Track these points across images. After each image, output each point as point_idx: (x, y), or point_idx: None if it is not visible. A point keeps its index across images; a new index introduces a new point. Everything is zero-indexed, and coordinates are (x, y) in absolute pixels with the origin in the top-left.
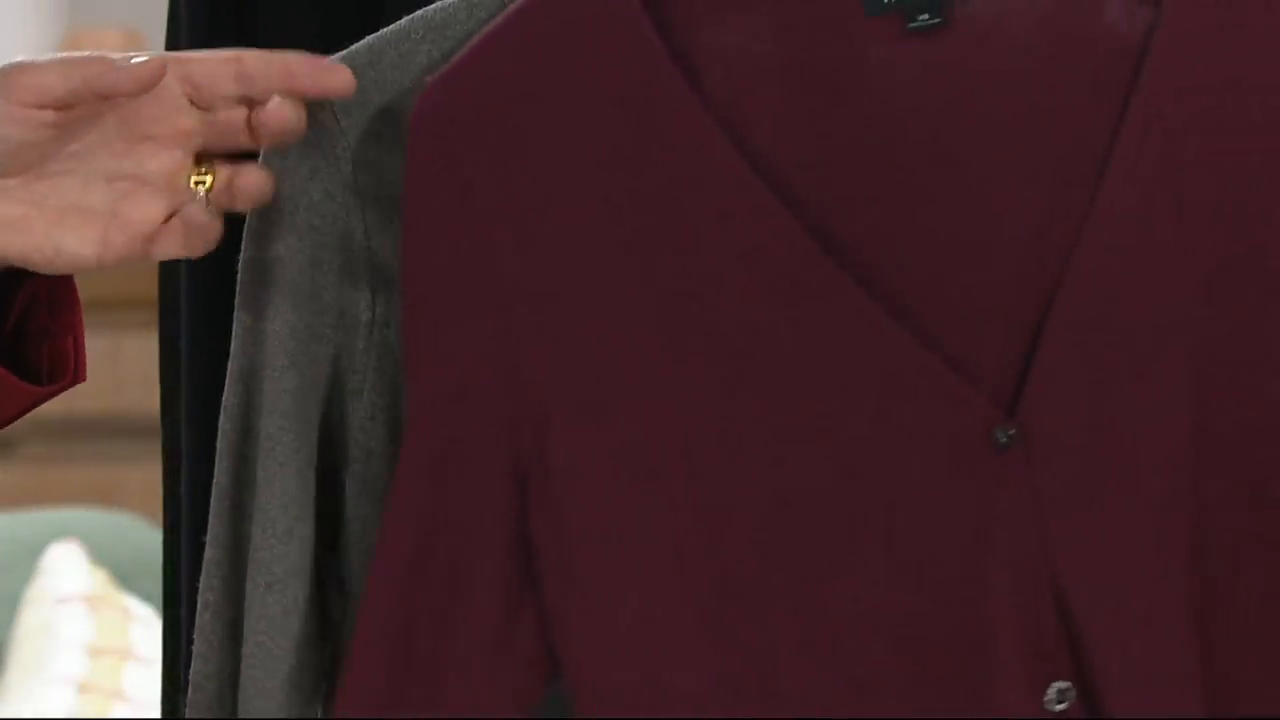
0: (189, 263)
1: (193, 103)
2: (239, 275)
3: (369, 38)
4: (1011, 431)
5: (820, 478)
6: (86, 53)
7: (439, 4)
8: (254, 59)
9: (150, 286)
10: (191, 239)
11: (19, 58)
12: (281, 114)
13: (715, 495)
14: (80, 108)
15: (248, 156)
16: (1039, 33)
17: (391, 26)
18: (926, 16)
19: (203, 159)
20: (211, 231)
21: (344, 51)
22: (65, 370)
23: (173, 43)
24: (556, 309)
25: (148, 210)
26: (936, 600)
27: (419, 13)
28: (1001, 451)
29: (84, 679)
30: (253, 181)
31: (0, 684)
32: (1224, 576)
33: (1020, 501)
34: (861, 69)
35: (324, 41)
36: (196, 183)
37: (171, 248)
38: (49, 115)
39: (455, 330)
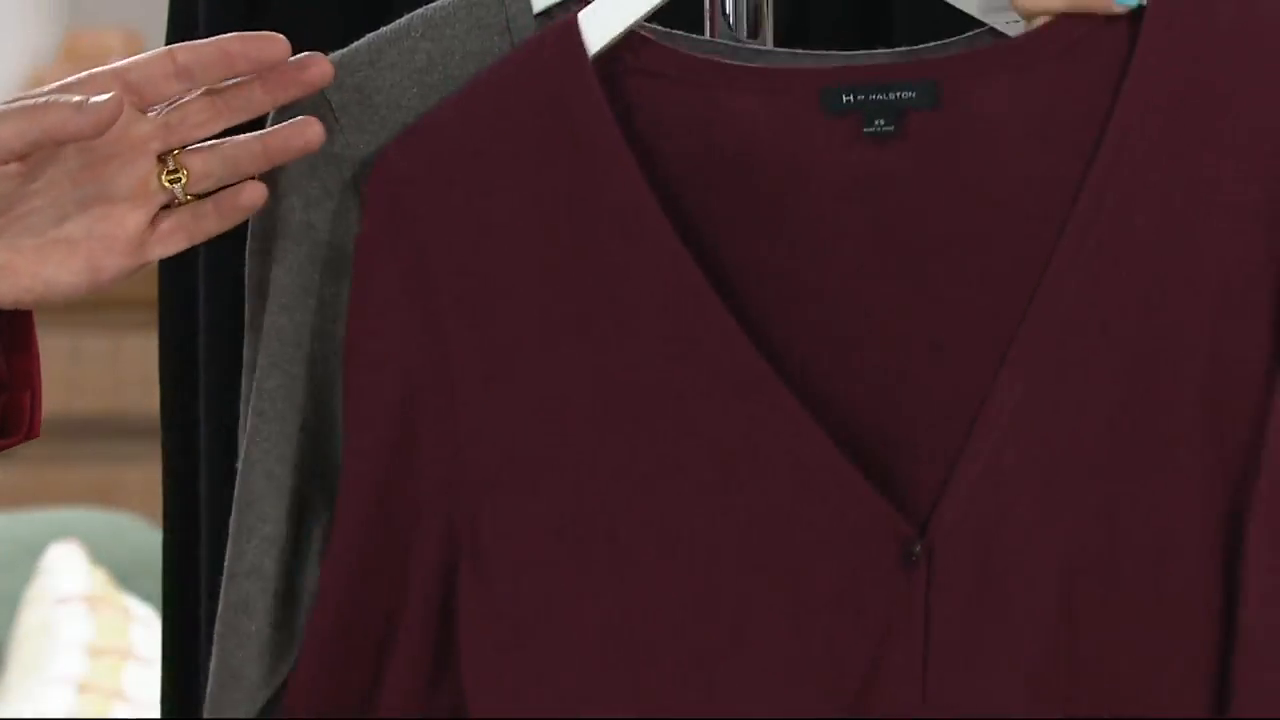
0: (201, 262)
1: (140, 109)
2: (245, 271)
3: (369, 36)
4: (918, 550)
5: (737, 572)
6: (40, 94)
7: (439, 2)
8: (184, 51)
9: (150, 287)
10: (190, 230)
11: (20, 59)
12: (241, 197)
13: (635, 579)
14: (41, 152)
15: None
16: (991, 149)
17: (392, 25)
18: (882, 123)
19: (167, 156)
20: (206, 217)
21: (344, 49)
22: (18, 425)
23: (174, 42)
24: (494, 381)
25: (127, 224)
26: (822, 696)
27: (419, 11)
28: (908, 569)
29: (84, 679)
30: (248, 196)
31: (0, 684)
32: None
33: (914, 617)
34: (814, 169)
35: (336, 39)
36: (170, 183)
37: (170, 246)
38: (11, 168)
39: (395, 386)
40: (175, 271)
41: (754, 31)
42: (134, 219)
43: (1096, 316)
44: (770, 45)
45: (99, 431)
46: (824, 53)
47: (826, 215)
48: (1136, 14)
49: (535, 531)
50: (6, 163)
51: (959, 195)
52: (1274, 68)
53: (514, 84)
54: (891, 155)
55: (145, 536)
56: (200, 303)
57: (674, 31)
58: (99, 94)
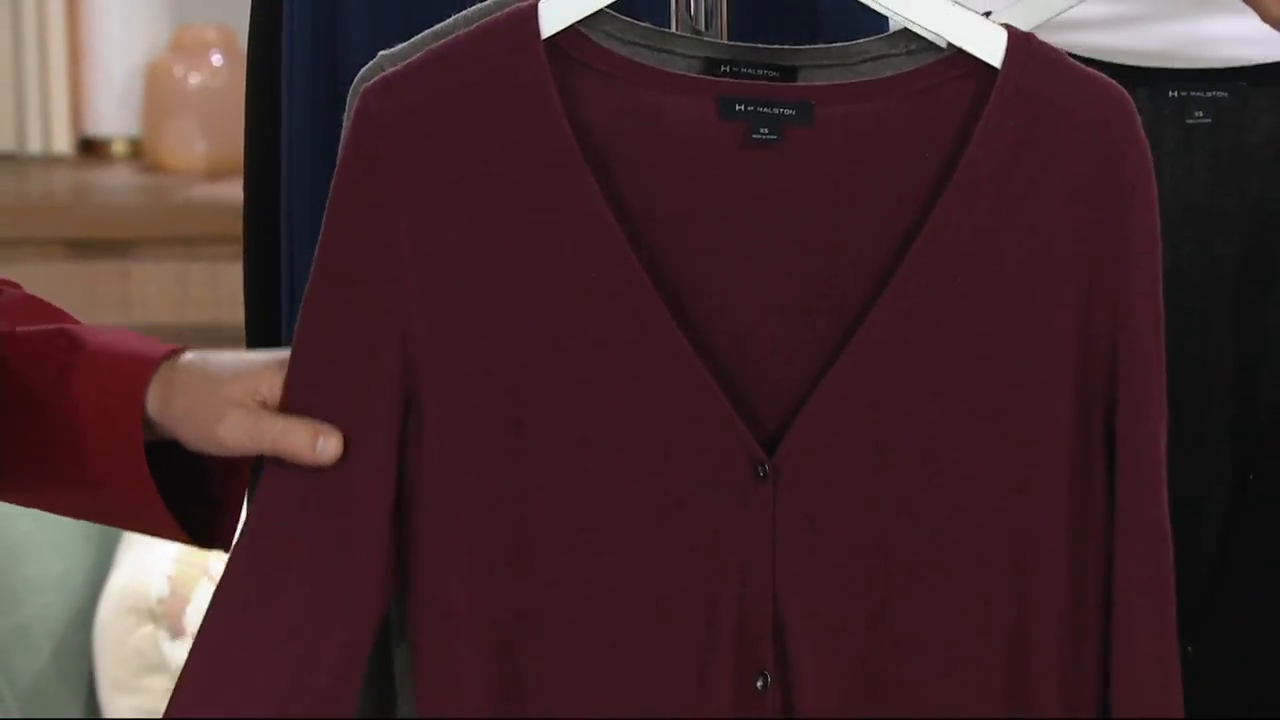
0: (283, 209)
1: None
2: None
3: (420, 35)
4: (767, 467)
5: (616, 469)
6: (295, 425)
7: (480, 5)
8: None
9: (239, 227)
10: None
11: (138, 51)
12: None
13: (533, 464)
14: None
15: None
16: (851, 161)
17: (440, 25)
18: (766, 131)
19: None
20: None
21: (397, 47)
22: (225, 539)
23: (255, 40)
24: (436, 291)
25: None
26: (682, 589)
27: (462, 13)
28: (760, 483)
29: (179, 553)
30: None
31: (119, 547)
32: (907, 620)
33: (763, 524)
34: (709, 159)
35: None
36: None
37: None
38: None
39: (360, 277)
40: (257, 220)
41: (709, 22)
42: None
43: (938, 300)
44: (724, 36)
45: (203, 339)
46: (737, 44)
47: (717, 196)
48: (990, 72)
49: (458, 413)
50: (228, 453)
51: (823, 193)
52: (1091, 134)
53: (477, 52)
54: (771, 157)
55: None
56: (281, 243)
57: (617, 16)
58: (323, 434)
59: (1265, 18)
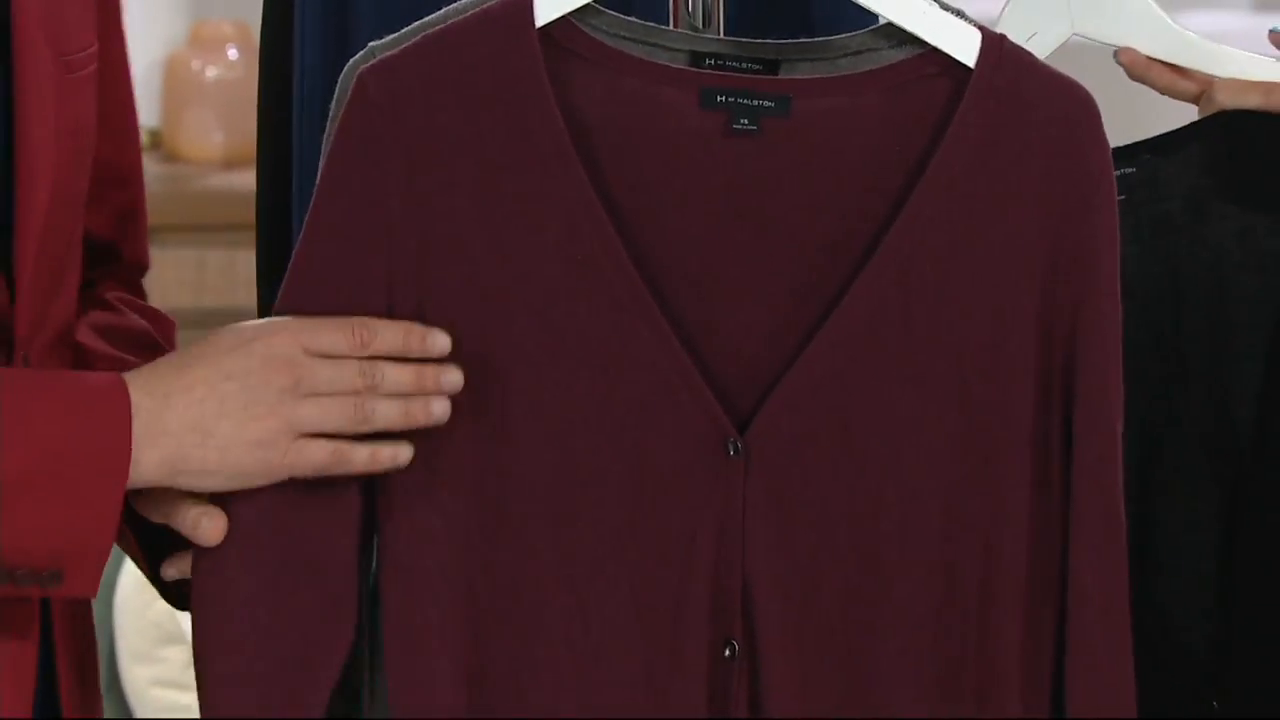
0: (294, 202)
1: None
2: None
3: (409, 27)
4: (739, 445)
5: (596, 441)
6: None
7: None
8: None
9: (251, 216)
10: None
11: (157, 45)
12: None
13: (514, 434)
14: None
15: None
16: (825, 152)
17: (429, 18)
18: (746, 122)
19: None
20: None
21: (388, 38)
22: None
23: (267, 35)
24: (424, 266)
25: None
26: (656, 561)
27: (454, 4)
28: (731, 460)
29: None
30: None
31: None
32: (872, 594)
33: (734, 500)
34: (691, 147)
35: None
36: None
37: None
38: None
39: (349, 247)
40: (270, 208)
41: (707, 20)
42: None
43: (908, 288)
44: (720, 33)
45: (219, 321)
46: (722, 39)
47: (699, 184)
48: (963, 71)
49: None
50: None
51: (801, 183)
52: (1058, 132)
53: (472, 37)
54: (750, 146)
55: None
56: (293, 230)
57: (607, 11)
58: (398, 449)
59: (1169, 92)
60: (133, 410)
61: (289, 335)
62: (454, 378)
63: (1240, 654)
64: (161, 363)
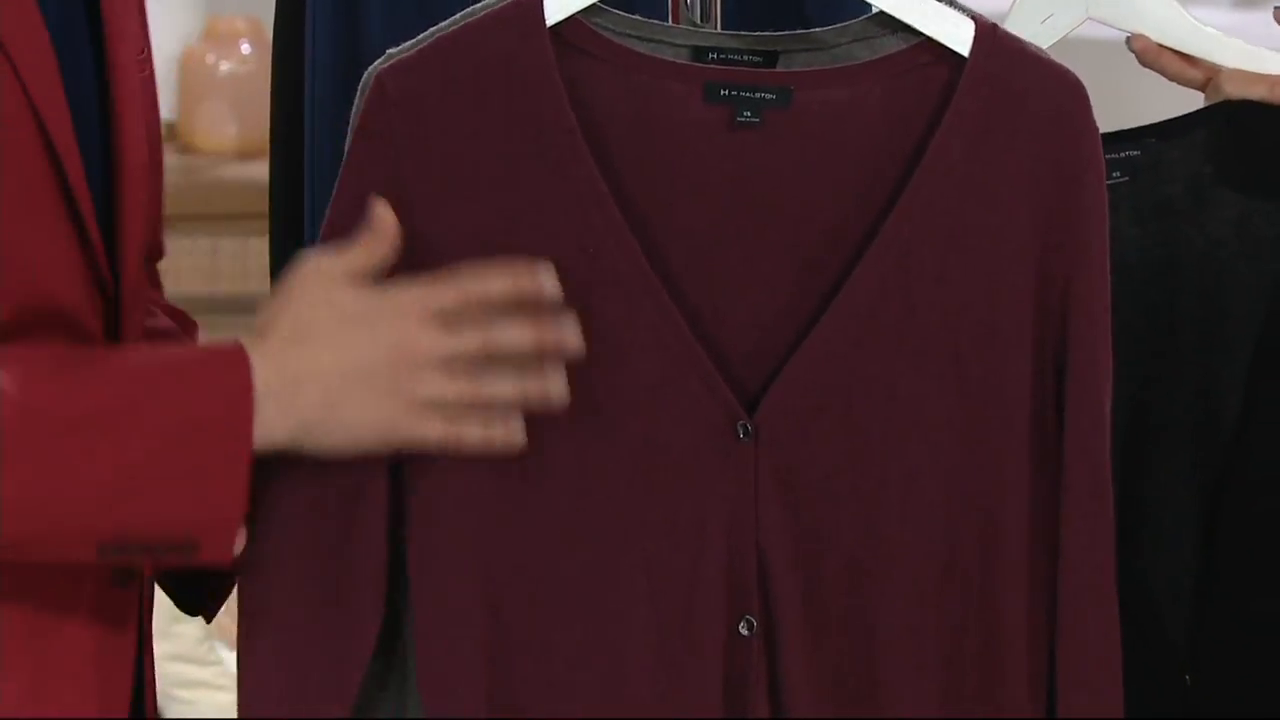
0: (307, 188)
1: None
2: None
3: (424, 34)
4: (749, 427)
5: (608, 425)
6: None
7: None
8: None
9: (265, 205)
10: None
11: (171, 39)
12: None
13: (527, 418)
14: None
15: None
16: (827, 143)
17: (443, 23)
18: (749, 114)
19: None
20: None
21: (403, 45)
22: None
23: (279, 30)
24: (440, 257)
25: None
26: (671, 541)
27: (466, 10)
28: (741, 441)
29: None
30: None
31: None
32: (880, 566)
33: (745, 479)
34: (696, 140)
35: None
36: None
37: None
38: None
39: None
40: (282, 198)
41: (706, 15)
42: None
43: (908, 272)
44: (718, 27)
45: (232, 308)
46: (723, 33)
47: (705, 175)
48: (958, 60)
49: None
50: None
51: (803, 172)
52: (1050, 118)
53: (485, 37)
54: (753, 138)
55: None
56: (305, 220)
57: (612, 10)
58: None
59: (1179, 80)
60: (264, 390)
61: (409, 305)
62: (572, 332)
63: (1213, 632)
64: (285, 333)
